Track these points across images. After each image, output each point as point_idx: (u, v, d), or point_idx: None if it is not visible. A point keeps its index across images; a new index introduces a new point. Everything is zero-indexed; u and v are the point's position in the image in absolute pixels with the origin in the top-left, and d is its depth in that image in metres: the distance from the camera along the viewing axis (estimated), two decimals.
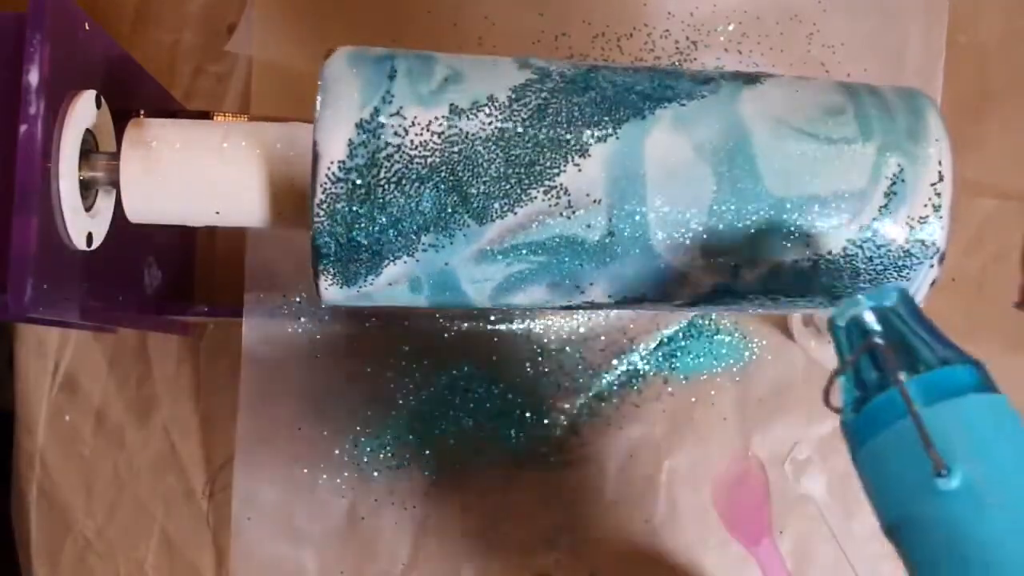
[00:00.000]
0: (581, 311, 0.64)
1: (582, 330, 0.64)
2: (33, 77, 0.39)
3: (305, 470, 0.62)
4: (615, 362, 0.64)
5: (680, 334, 0.65)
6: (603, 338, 0.64)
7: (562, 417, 0.64)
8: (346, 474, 0.62)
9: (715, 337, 0.65)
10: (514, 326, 0.64)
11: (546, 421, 0.63)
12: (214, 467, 0.63)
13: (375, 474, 0.63)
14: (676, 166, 0.41)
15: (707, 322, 0.65)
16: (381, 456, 0.63)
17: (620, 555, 0.63)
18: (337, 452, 0.62)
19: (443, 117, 0.40)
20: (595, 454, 0.64)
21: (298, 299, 0.62)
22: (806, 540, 0.64)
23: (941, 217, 0.42)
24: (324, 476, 0.62)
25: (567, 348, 0.64)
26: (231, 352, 0.63)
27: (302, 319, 0.62)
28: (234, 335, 0.62)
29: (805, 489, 0.64)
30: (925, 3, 0.68)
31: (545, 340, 0.64)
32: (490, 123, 0.40)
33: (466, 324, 0.63)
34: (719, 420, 0.64)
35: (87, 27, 0.44)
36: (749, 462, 0.64)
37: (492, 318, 0.63)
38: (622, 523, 0.64)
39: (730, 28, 0.67)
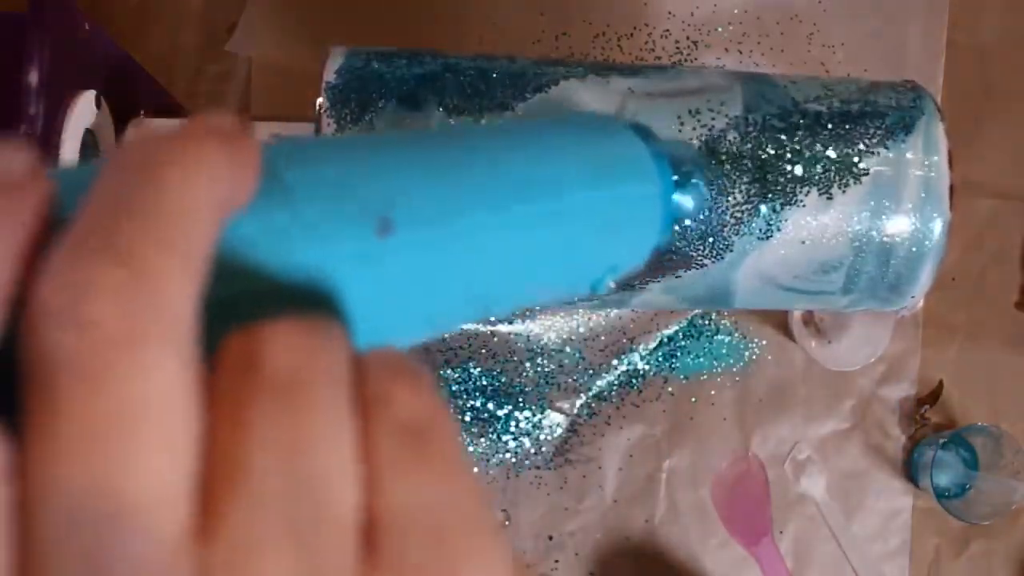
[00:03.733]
0: (581, 311, 0.64)
1: (582, 330, 0.64)
2: (33, 77, 0.39)
3: None
4: (615, 362, 0.64)
5: (680, 334, 0.65)
6: (603, 338, 0.64)
7: (562, 417, 0.64)
8: None
9: (715, 337, 0.65)
10: (514, 326, 0.64)
11: (546, 421, 0.63)
12: None
13: None
14: (653, 304, 0.45)
15: (707, 322, 0.65)
16: None
17: (620, 555, 0.63)
18: None
19: None
20: (595, 454, 0.64)
21: None
22: (806, 540, 0.64)
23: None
24: None
25: (567, 348, 0.64)
26: None
27: None
28: None
29: (805, 489, 0.64)
30: (925, 3, 0.68)
31: (545, 340, 0.64)
32: None
33: (466, 324, 0.63)
34: (719, 420, 0.64)
35: (87, 27, 0.44)
36: (749, 462, 0.64)
37: (492, 318, 0.63)
38: (622, 523, 0.64)
39: (730, 28, 0.67)
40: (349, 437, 0.14)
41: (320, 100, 0.40)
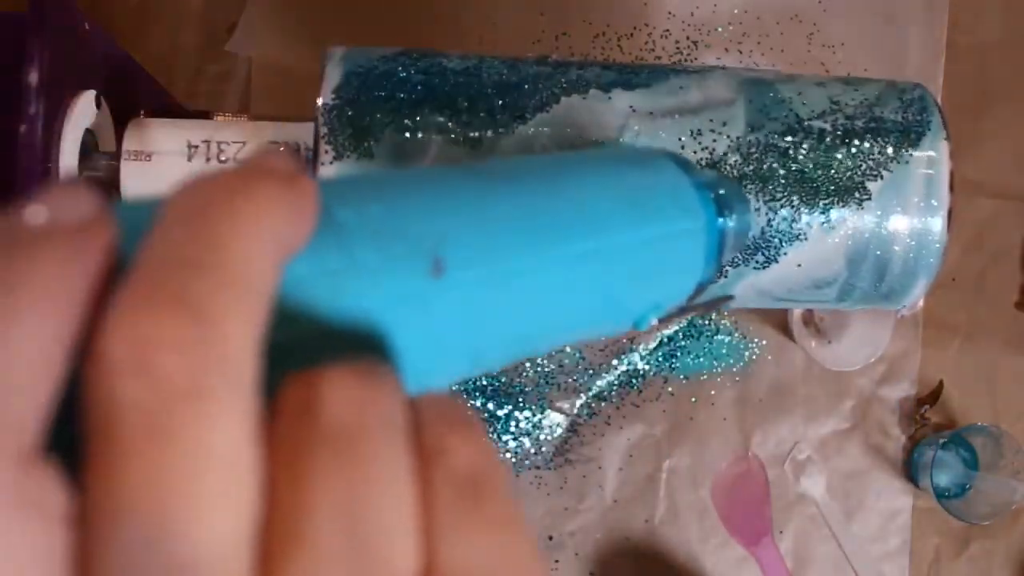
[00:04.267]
0: None
1: None
2: (33, 77, 0.39)
3: None
4: (615, 362, 0.64)
5: (680, 334, 0.65)
6: (603, 338, 0.64)
7: (562, 417, 0.64)
8: None
9: (715, 337, 0.65)
10: None
11: (546, 421, 0.63)
12: None
13: None
14: None
15: (707, 322, 0.65)
16: None
17: (620, 555, 0.63)
18: None
19: None
20: (595, 454, 0.64)
21: None
22: (806, 540, 0.64)
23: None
24: None
25: (567, 348, 0.64)
26: None
27: None
28: None
29: (805, 489, 0.64)
30: (925, 3, 0.68)
31: None
32: None
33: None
34: (719, 420, 0.64)
35: (87, 27, 0.44)
36: (749, 462, 0.64)
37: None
38: (622, 523, 0.64)
39: (730, 28, 0.67)
40: (409, 491, 0.14)
41: (320, 101, 0.40)
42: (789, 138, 0.42)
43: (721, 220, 0.30)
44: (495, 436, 0.63)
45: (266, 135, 0.44)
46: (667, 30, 0.66)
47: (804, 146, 0.42)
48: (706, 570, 0.63)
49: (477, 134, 0.40)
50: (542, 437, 0.64)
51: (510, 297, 0.22)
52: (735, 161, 0.41)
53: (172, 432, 0.12)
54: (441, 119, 0.40)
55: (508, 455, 0.63)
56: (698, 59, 0.66)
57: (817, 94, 0.44)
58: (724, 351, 0.65)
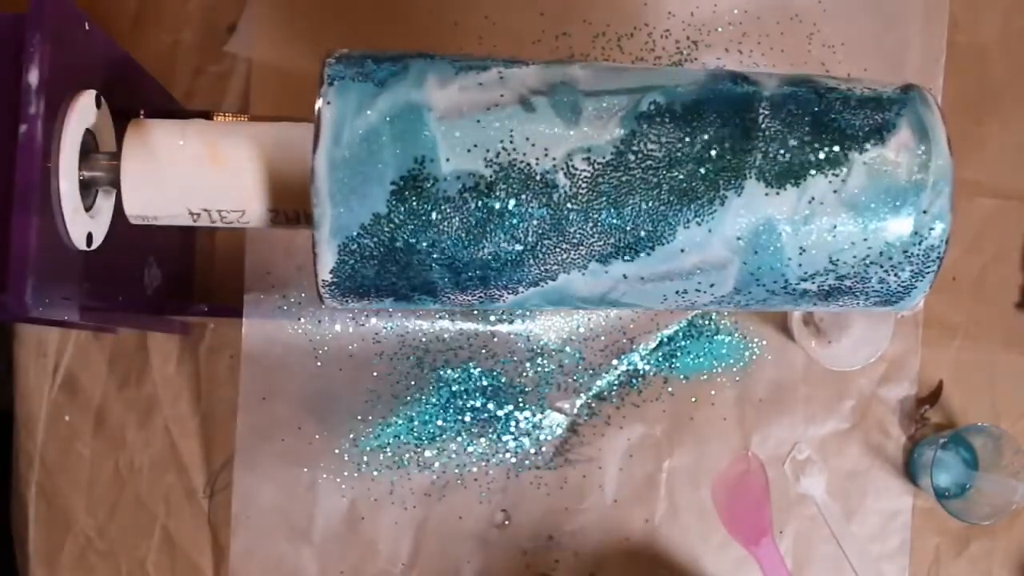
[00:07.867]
0: (581, 311, 0.64)
1: (582, 330, 0.64)
2: (33, 77, 0.39)
3: (305, 470, 0.62)
4: (615, 362, 0.64)
5: (680, 334, 0.65)
6: (603, 338, 0.64)
7: (562, 417, 0.64)
8: (346, 474, 0.62)
9: (715, 337, 0.65)
10: (514, 326, 0.64)
11: (546, 421, 0.63)
12: (214, 467, 0.63)
13: (375, 474, 0.63)
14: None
15: (707, 322, 0.65)
16: (381, 456, 0.63)
17: (620, 555, 0.63)
18: (337, 452, 0.62)
19: None
20: (595, 454, 0.64)
21: (297, 300, 0.62)
22: (806, 540, 0.64)
23: None
24: (324, 476, 0.62)
25: (567, 348, 0.64)
26: (231, 352, 0.63)
27: (302, 319, 0.62)
28: (234, 335, 0.62)
29: (805, 489, 0.64)
30: (925, 3, 0.68)
31: (545, 340, 0.64)
32: None
33: (466, 324, 0.63)
34: (719, 420, 0.65)
35: (87, 27, 0.44)
36: (749, 462, 0.64)
37: (492, 318, 0.63)
38: (622, 523, 0.64)
39: (730, 28, 0.67)
40: None
41: (319, 104, 0.40)
42: (770, 301, 0.41)
43: None
44: (495, 436, 0.63)
45: (265, 135, 0.44)
46: (667, 30, 0.66)
47: (780, 300, 0.41)
48: (706, 570, 0.63)
49: (471, 305, 0.42)
50: (542, 437, 0.64)
51: None
52: (712, 309, 0.43)
53: None
54: (436, 295, 0.40)
55: (508, 455, 0.63)
56: (698, 59, 0.66)
57: (823, 249, 0.39)
58: (724, 351, 0.65)
